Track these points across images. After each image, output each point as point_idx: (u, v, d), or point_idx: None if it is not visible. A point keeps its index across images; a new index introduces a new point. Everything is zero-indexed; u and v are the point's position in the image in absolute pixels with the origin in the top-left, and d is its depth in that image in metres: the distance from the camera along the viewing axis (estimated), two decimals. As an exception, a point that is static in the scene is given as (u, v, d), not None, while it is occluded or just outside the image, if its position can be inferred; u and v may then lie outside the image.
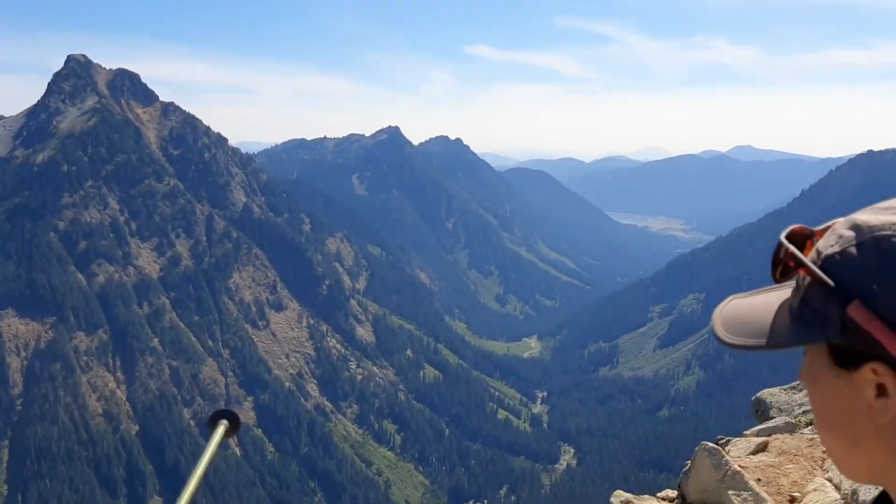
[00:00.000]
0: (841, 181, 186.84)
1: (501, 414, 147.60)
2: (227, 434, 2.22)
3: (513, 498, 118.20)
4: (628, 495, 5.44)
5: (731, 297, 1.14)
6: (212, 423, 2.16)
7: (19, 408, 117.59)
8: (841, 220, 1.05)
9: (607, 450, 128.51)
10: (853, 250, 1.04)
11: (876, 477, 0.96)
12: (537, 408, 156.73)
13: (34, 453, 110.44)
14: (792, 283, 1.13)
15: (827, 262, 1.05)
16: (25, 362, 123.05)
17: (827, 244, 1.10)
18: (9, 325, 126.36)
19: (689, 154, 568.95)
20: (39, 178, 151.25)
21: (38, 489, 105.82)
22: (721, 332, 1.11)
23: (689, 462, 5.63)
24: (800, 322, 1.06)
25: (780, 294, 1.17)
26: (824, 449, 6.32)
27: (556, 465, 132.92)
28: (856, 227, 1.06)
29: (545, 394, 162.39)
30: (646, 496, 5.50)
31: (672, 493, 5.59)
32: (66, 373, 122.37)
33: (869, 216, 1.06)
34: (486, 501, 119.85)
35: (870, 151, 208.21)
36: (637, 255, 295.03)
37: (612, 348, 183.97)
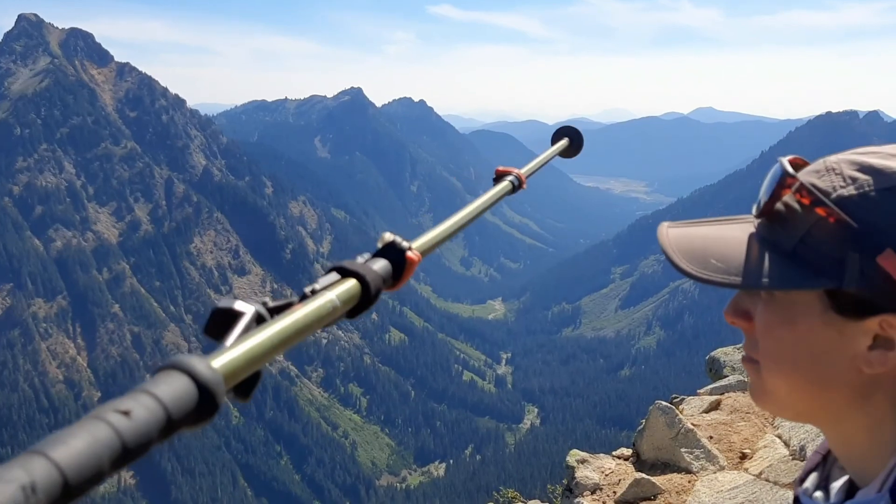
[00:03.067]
0: (801, 142, 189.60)
1: (466, 375, 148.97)
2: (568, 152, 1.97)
3: (478, 457, 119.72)
4: (584, 454, 5.50)
5: (664, 223, 1.05)
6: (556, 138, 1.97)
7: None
8: (832, 159, 0.99)
9: (570, 409, 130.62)
10: (874, 195, 0.95)
11: (815, 415, 0.94)
12: (502, 369, 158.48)
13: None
14: (748, 218, 1.09)
15: (842, 204, 0.96)
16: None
17: (833, 184, 1.00)
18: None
19: (652, 116, 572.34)
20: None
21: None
22: (685, 265, 0.98)
23: (643, 421, 5.71)
24: (798, 264, 0.98)
25: (740, 227, 1.10)
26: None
27: (520, 425, 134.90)
28: (873, 171, 0.97)
29: (509, 355, 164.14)
30: (601, 455, 5.57)
31: (627, 452, 5.67)
32: (25, 340, 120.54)
33: (882, 161, 0.97)
34: (451, 461, 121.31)
35: (828, 113, 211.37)
36: (599, 217, 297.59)
37: (575, 309, 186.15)
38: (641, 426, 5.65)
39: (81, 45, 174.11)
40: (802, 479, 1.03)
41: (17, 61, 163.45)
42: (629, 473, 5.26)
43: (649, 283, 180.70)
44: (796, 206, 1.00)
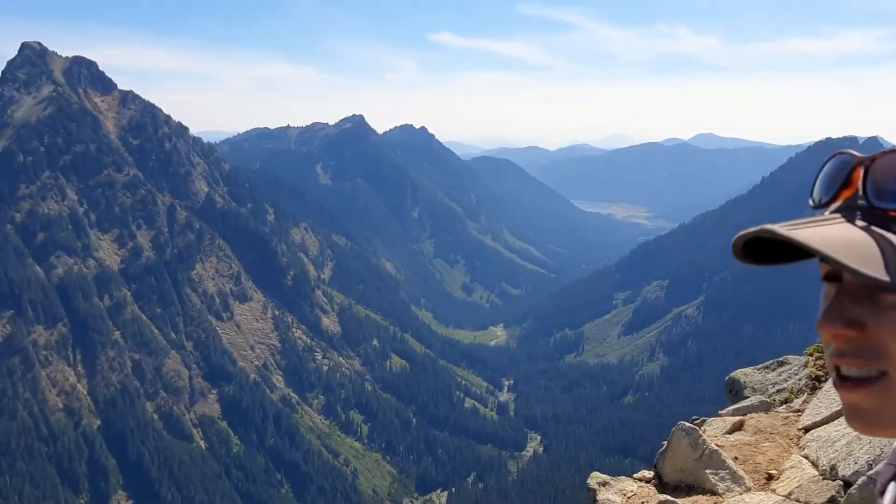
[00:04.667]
0: (801, 168, 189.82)
1: (468, 402, 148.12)
2: None
3: (480, 485, 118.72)
4: (605, 477, 5.33)
5: (773, 225, 1.03)
6: None
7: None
8: None
9: (573, 436, 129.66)
10: None
11: None
12: (504, 395, 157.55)
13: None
14: (836, 218, 1.04)
15: None
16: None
17: None
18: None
19: (653, 142, 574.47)
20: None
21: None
22: (843, 257, 0.92)
23: (665, 443, 5.54)
24: None
25: (841, 227, 1.03)
26: (801, 426, 6.33)
27: (523, 452, 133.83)
28: None
29: (511, 382, 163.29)
30: (622, 477, 5.41)
31: (648, 474, 5.50)
32: (25, 367, 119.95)
33: None
34: (453, 489, 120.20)
35: (828, 139, 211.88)
36: (601, 242, 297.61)
37: (578, 335, 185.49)
38: (663, 447, 5.49)
39: (85, 72, 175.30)
40: (882, 491, 1.01)
41: (20, 89, 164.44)
42: (652, 496, 5.10)
43: (652, 309, 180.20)
44: None
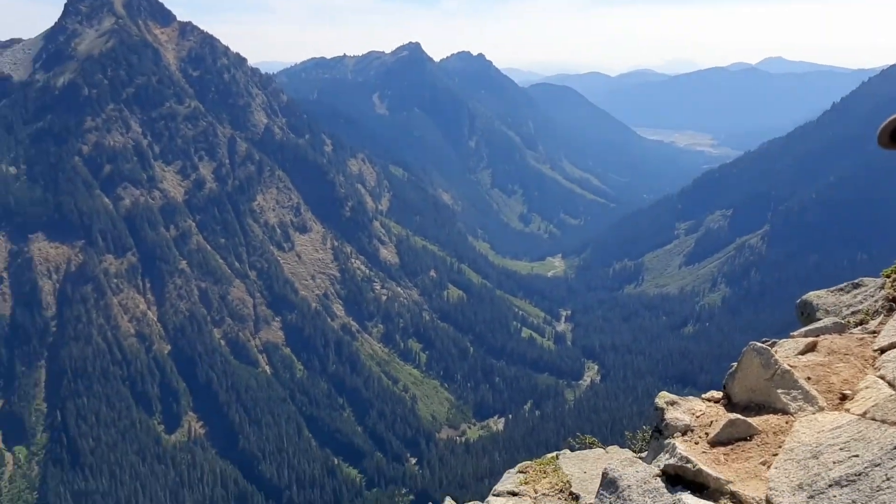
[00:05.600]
0: (874, 93, 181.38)
1: (525, 332, 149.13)
2: None
3: (537, 413, 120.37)
4: (673, 396, 5.29)
5: None
6: None
7: (54, 329, 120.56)
8: None
9: (631, 366, 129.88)
10: None
11: None
12: (561, 326, 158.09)
13: (70, 373, 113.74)
14: None
15: None
16: (58, 285, 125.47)
17: None
18: (39, 249, 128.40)
19: (718, 67, 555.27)
20: (61, 102, 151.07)
21: (75, 406, 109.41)
22: None
23: (734, 364, 5.45)
24: None
25: None
26: (877, 347, 6.14)
27: (580, 381, 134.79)
28: None
29: (569, 312, 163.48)
30: (690, 397, 5.35)
31: (717, 395, 5.43)
32: (98, 295, 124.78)
33: None
34: (510, 416, 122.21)
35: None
36: (663, 171, 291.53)
37: (638, 266, 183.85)
38: (733, 368, 5.40)
39: (144, 4, 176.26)
40: None
41: (82, 22, 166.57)
42: (721, 415, 5.04)
43: (715, 239, 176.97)
44: None
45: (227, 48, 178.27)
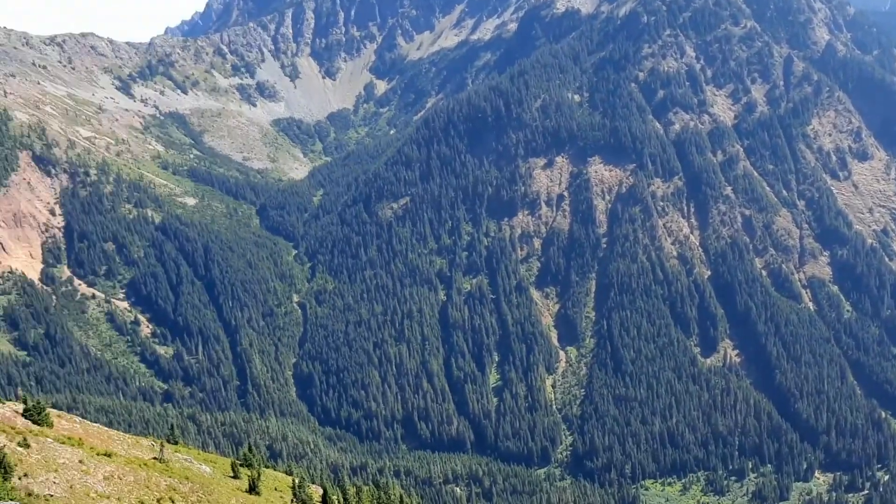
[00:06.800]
0: None
1: None
2: None
3: None
4: None
5: None
6: None
7: (604, 245, 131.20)
8: None
9: None
10: None
11: None
12: None
13: (616, 287, 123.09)
14: None
15: None
16: (609, 205, 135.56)
17: None
18: (595, 171, 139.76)
19: None
20: (621, 31, 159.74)
21: (619, 318, 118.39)
22: None
23: None
24: None
25: None
26: None
27: None
28: None
29: None
30: None
31: None
32: (644, 216, 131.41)
33: None
34: None
35: None
36: None
37: None
38: None
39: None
40: None
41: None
42: None
43: None
44: None
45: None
